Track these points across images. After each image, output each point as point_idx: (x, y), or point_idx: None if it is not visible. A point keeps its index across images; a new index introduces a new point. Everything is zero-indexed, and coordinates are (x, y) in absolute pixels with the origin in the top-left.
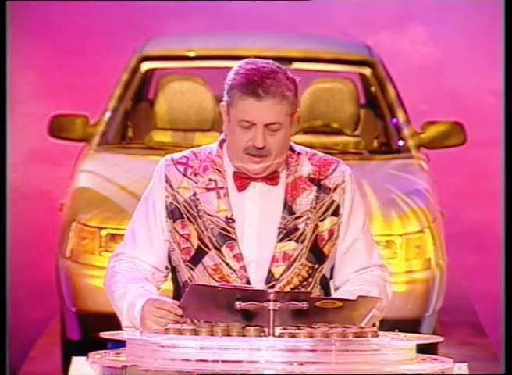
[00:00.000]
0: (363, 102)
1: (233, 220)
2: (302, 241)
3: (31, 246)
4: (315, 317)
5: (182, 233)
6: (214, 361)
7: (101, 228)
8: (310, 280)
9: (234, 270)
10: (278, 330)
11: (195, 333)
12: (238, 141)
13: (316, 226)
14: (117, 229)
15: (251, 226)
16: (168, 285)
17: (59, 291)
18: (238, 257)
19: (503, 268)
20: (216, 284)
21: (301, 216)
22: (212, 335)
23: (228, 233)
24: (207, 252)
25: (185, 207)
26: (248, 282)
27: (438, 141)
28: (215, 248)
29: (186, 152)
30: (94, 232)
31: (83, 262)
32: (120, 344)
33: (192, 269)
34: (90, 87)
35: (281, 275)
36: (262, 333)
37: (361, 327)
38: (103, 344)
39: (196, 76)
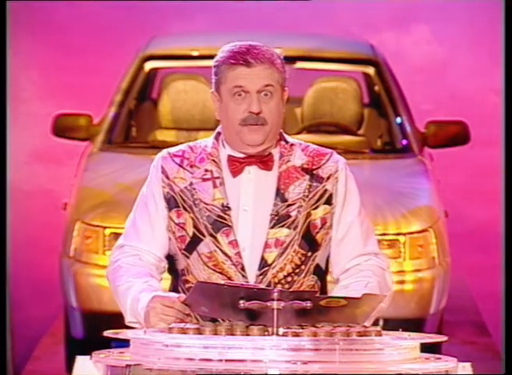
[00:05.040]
0: (367, 101)
1: (229, 208)
2: (294, 228)
3: (35, 245)
4: (319, 316)
5: (177, 221)
6: (218, 360)
7: (105, 227)
8: (302, 267)
9: (229, 257)
10: (281, 329)
11: (199, 332)
12: (234, 114)
13: (308, 214)
14: (121, 228)
15: (246, 212)
16: (165, 284)
17: (63, 290)
18: (233, 243)
19: (502, 267)
20: (222, 282)
21: (293, 204)
22: (216, 334)
23: (224, 220)
24: (202, 240)
25: (181, 196)
26: (243, 268)
27: (441, 141)
28: (211, 235)
29: (182, 146)
30: (98, 231)
31: (87, 262)
32: (124, 343)
33: (187, 258)
34: (94, 86)
35: (273, 261)
36: (266, 333)
37: (365, 326)
38: (107, 344)
39: (199, 75)
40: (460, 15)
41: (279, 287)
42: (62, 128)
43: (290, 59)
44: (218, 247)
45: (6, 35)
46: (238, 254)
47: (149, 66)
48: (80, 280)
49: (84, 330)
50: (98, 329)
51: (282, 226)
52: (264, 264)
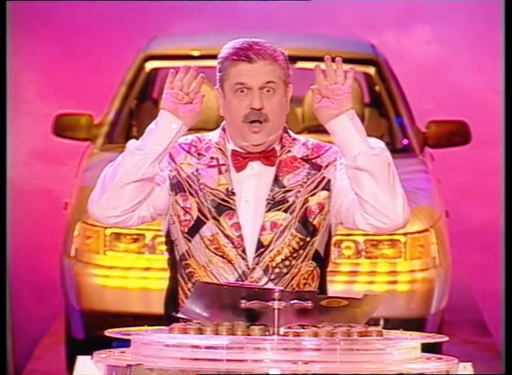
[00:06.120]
0: (367, 101)
1: (233, 193)
2: (291, 212)
3: (36, 245)
4: (320, 316)
5: (182, 205)
6: (218, 360)
7: (106, 227)
8: (300, 251)
9: (231, 239)
10: (282, 329)
11: (200, 332)
12: (236, 111)
13: (306, 200)
14: (121, 228)
15: (247, 203)
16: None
17: (64, 290)
18: (236, 226)
19: (503, 266)
20: (222, 283)
21: (291, 190)
22: (217, 334)
23: (227, 204)
24: (205, 223)
25: (187, 182)
26: (244, 251)
27: (442, 140)
28: (214, 218)
29: (190, 136)
30: (99, 231)
31: (88, 262)
32: (125, 343)
33: (189, 241)
34: (95, 86)
35: (270, 243)
36: (267, 333)
37: (366, 326)
38: (108, 343)
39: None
40: (460, 15)
41: (277, 270)
42: (63, 128)
43: (291, 59)
44: (220, 230)
45: (6, 35)
46: (240, 236)
47: (150, 65)
48: (80, 280)
49: (85, 330)
50: (99, 329)
51: (279, 209)
52: (260, 246)
